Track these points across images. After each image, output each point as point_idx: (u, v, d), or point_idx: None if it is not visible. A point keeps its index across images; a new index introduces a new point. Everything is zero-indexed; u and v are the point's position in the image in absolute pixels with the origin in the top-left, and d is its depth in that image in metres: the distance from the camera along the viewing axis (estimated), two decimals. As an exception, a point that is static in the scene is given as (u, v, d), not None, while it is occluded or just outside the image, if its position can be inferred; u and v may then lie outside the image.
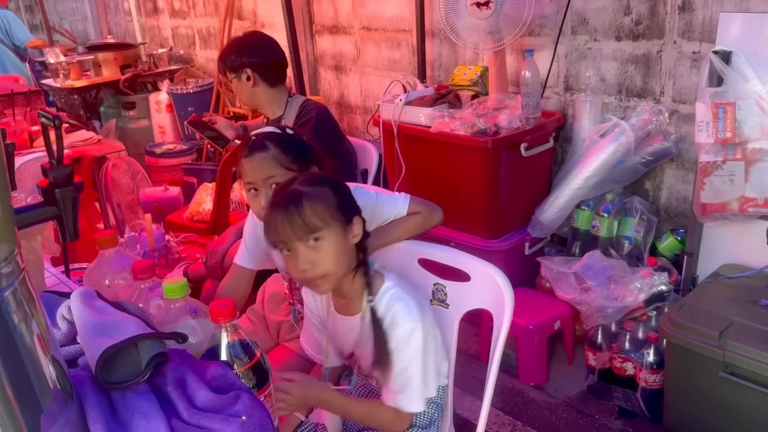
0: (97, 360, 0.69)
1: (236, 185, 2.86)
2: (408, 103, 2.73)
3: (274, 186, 1.50)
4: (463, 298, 1.43)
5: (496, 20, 2.54)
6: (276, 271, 1.80)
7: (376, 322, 1.24)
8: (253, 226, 1.75)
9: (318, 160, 1.61)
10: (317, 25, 3.91)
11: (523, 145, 2.49)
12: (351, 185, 1.63)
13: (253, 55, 2.19)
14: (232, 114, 4.36)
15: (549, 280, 2.41)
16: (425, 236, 1.63)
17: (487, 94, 2.83)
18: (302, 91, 3.73)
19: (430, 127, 2.58)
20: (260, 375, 0.84)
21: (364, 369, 1.35)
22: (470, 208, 2.60)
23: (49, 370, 0.63)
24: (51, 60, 4.72)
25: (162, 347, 0.73)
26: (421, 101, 2.72)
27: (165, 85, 4.74)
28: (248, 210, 1.77)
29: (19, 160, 2.43)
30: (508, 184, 2.56)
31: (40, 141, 2.99)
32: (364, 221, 1.28)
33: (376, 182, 2.34)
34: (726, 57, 2.09)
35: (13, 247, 0.58)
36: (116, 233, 1.10)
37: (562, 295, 2.31)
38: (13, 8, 7.20)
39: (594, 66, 2.60)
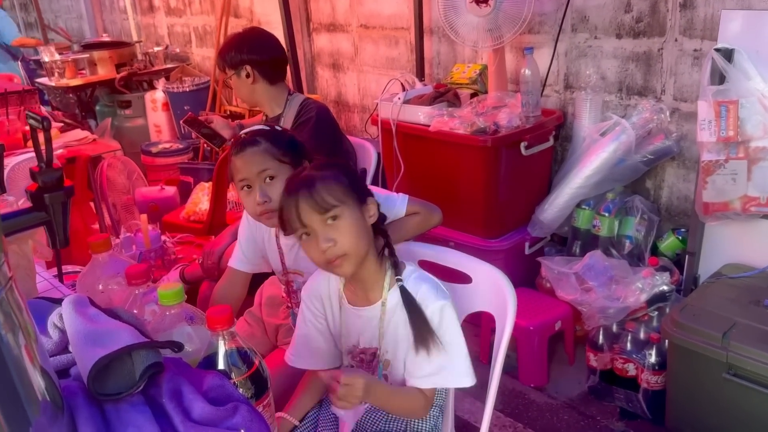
0: (90, 371, 0.66)
1: (233, 185, 2.83)
2: (407, 101, 2.70)
3: (268, 180, 1.49)
4: (464, 301, 1.41)
5: (495, 18, 2.51)
6: (273, 273, 1.77)
7: (409, 300, 1.22)
8: (248, 227, 1.72)
9: (309, 156, 1.59)
10: (314, 23, 3.88)
11: (522, 144, 2.47)
12: None
13: (253, 51, 2.15)
14: (228, 113, 4.33)
15: (550, 281, 2.39)
16: (425, 237, 1.61)
17: (486, 92, 2.81)
18: (299, 90, 3.71)
19: (428, 126, 2.55)
20: (259, 384, 0.82)
21: (387, 360, 1.31)
22: (470, 207, 2.57)
23: (38, 382, 0.61)
24: (45, 58, 4.68)
25: (157, 357, 0.71)
26: (420, 100, 2.69)
27: (161, 83, 4.71)
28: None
29: (12, 161, 2.40)
30: (508, 184, 2.54)
31: (35, 140, 2.95)
32: (378, 204, 1.28)
33: (374, 182, 2.32)
34: (728, 54, 2.07)
35: (-1, 255, 0.56)
36: (110, 237, 1.07)
37: (563, 296, 2.29)
38: (7, 6, 7.15)
39: (594, 64, 2.58)
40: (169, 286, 0.89)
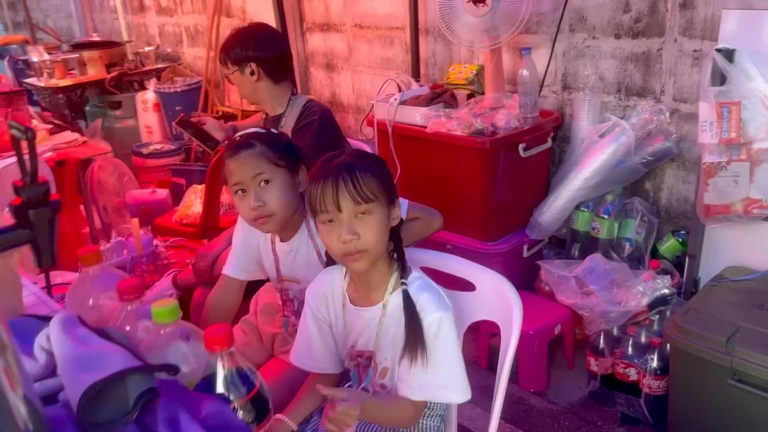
0: (80, 399, 0.62)
1: (226, 187, 2.78)
2: (403, 102, 2.66)
3: (263, 184, 1.45)
4: (467, 309, 1.38)
5: (492, 17, 2.47)
6: (268, 280, 1.73)
7: (410, 305, 1.19)
8: (242, 232, 1.68)
9: (307, 160, 1.54)
10: (308, 23, 3.83)
11: (521, 146, 2.44)
12: None
13: (260, 48, 2.09)
14: (221, 113, 4.28)
15: (549, 284, 2.35)
16: (424, 241, 1.57)
17: (483, 93, 2.77)
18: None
19: (425, 127, 2.51)
20: (260, 407, 0.78)
21: (386, 368, 1.28)
22: (467, 209, 2.53)
23: (20, 411, 0.56)
24: (34, 58, 4.61)
25: (152, 382, 0.66)
26: (416, 101, 2.65)
27: (152, 83, 4.65)
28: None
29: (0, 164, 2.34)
30: (506, 185, 2.50)
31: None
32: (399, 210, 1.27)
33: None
34: (729, 55, 2.04)
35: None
36: (100, 250, 1.02)
37: (564, 300, 2.26)
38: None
39: (593, 64, 2.55)
40: (164, 304, 0.84)
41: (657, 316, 2.16)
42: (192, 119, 2.43)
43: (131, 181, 3.17)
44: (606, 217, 2.43)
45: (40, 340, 0.74)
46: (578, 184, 2.45)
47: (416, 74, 3.16)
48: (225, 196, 2.84)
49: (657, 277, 2.18)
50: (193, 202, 2.87)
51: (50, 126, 3.34)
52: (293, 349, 1.40)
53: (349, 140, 2.31)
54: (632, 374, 2.14)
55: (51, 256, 0.68)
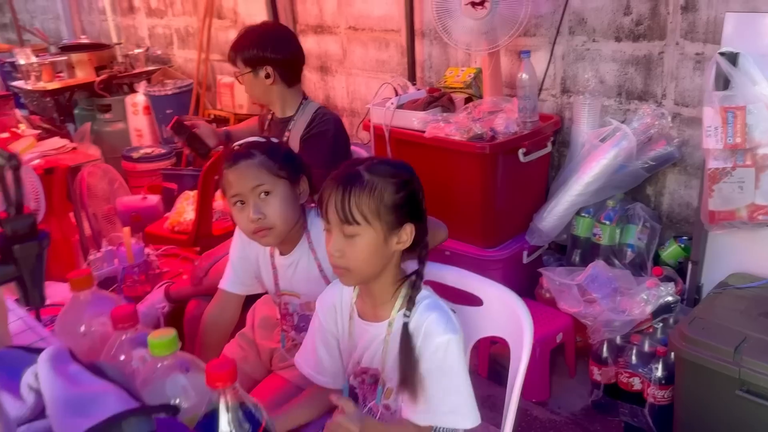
0: (72, 446, 0.56)
1: (219, 193, 2.71)
2: (400, 106, 2.61)
3: (263, 195, 1.39)
4: (475, 325, 1.33)
5: (491, 20, 2.43)
6: (266, 293, 1.67)
7: (406, 336, 1.15)
8: (240, 245, 1.62)
9: (307, 169, 1.50)
10: (301, 25, 3.77)
11: (521, 151, 2.39)
12: None
13: (277, 51, 2.02)
14: (212, 116, 4.21)
15: (551, 292, 2.31)
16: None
17: (480, 96, 2.73)
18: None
19: (423, 132, 2.47)
20: (265, 445, 0.72)
21: (390, 388, 1.24)
22: (467, 216, 2.49)
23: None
24: (21, 61, 4.52)
25: (150, 425, 0.61)
26: (414, 105, 2.61)
27: (142, 86, 4.57)
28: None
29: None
30: (506, 191, 2.46)
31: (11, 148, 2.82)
32: (424, 230, 1.20)
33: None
34: (733, 58, 2.00)
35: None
36: (92, 272, 0.97)
37: (566, 308, 2.22)
38: (-19, 6, 6.95)
39: (592, 67, 2.51)
40: (162, 334, 0.79)
41: (660, 324, 2.12)
42: (185, 122, 2.34)
43: (122, 187, 3.10)
44: (607, 222, 2.39)
45: (27, 378, 0.69)
46: (579, 189, 2.41)
47: (412, 77, 3.11)
48: (218, 203, 2.78)
49: (660, 285, 2.14)
50: (186, 208, 2.80)
51: (38, 131, 3.26)
52: (298, 354, 1.38)
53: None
54: (636, 384, 2.10)
55: (39, 294, 0.63)
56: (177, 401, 0.77)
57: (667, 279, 2.22)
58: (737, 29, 2.03)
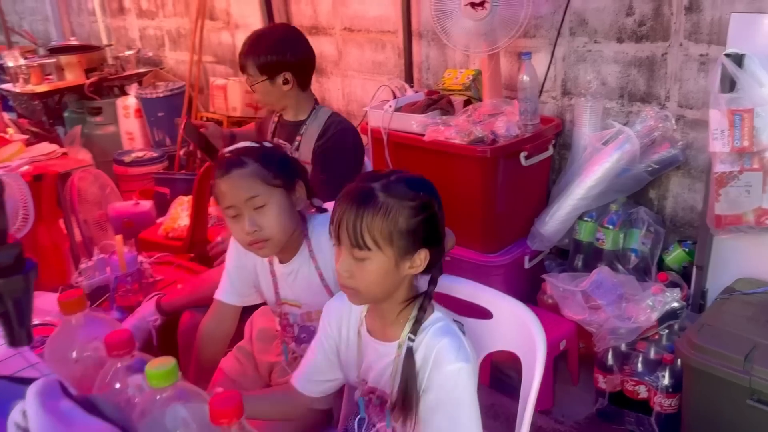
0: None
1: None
2: (398, 109, 2.56)
3: (258, 207, 1.32)
4: (484, 339, 1.28)
5: (490, 21, 2.38)
6: (264, 304, 1.62)
7: (409, 363, 1.09)
8: (236, 254, 1.56)
9: (304, 175, 1.44)
10: (295, 26, 3.71)
11: (522, 154, 2.35)
12: None
13: (296, 55, 1.96)
14: (205, 119, 4.14)
15: (555, 299, 2.27)
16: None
17: (480, 99, 2.68)
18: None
19: (422, 135, 2.41)
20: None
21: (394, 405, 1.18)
22: (467, 220, 2.44)
23: None
24: (9, 63, 4.43)
25: (150, 468, 0.56)
26: (412, 107, 2.55)
27: (133, 89, 4.50)
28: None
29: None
30: (507, 195, 2.41)
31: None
32: (440, 254, 1.14)
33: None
34: (738, 60, 1.96)
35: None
36: (84, 296, 0.91)
37: (571, 316, 2.17)
38: (-32, 8, 6.84)
39: (594, 69, 2.47)
40: (161, 364, 0.73)
41: (666, 331, 2.08)
42: (194, 123, 2.25)
43: (113, 193, 3.03)
44: (611, 227, 2.35)
45: (15, 416, 0.63)
46: (581, 193, 2.37)
47: (409, 79, 3.06)
48: (213, 208, 2.72)
49: (666, 290, 2.10)
50: (180, 214, 2.74)
51: (27, 136, 3.19)
52: (301, 368, 1.32)
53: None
54: (642, 392, 2.06)
55: (27, 332, 0.57)
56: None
57: (672, 284, 2.18)
58: (743, 30, 2.00)
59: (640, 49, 2.33)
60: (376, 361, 1.18)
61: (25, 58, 4.54)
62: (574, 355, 2.34)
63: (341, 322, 1.23)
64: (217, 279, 1.61)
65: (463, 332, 1.24)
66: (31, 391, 0.62)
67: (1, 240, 0.55)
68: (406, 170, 1.16)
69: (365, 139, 2.68)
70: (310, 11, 3.58)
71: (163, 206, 3.16)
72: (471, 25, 2.42)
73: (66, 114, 4.69)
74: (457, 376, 1.07)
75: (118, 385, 0.79)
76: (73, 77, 4.55)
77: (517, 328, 1.22)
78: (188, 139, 2.14)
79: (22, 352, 0.91)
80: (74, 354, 0.87)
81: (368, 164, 2.20)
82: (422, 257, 1.10)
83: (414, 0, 2.97)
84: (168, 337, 1.94)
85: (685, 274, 2.30)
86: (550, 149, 2.51)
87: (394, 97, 2.68)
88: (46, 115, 4.54)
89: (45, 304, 1.66)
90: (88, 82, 4.46)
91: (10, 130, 3.10)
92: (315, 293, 1.46)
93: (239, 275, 1.56)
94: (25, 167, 2.51)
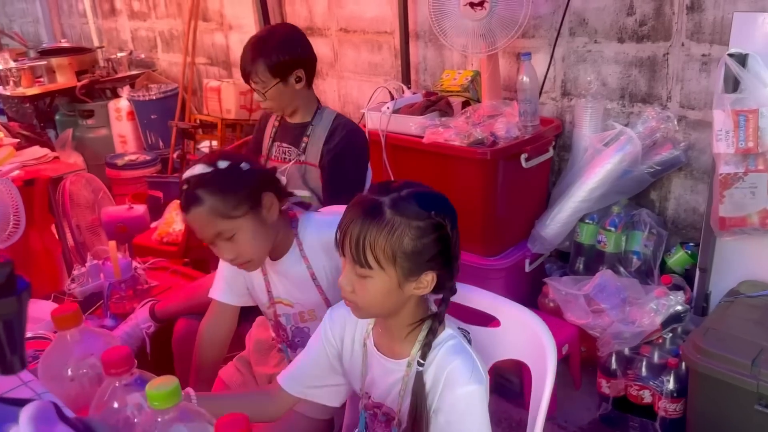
0: None
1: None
2: (396, 111, 2.52)
3: (227, 239, 1.28)
4: (491, 347, 1.24)
5: (489, 21, 2.35)
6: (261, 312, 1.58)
7: (419, 386, 1.05)
8: None
9: (271, 182, 1.36)
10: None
11: (523, 156, 2.31)
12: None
13: (305, 50, 1.90)
14: (198, 121, 4.09)
15: (557, 303, 2.23)
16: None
17: (478, 100, 2.65)
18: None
19: (421, 137, 2.38)
20: None
21: (402, 423, 1.14)
22: (467, 223, 2.37)
23: None
24: (-1, 66, 4.38)
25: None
26: (410, 109, 2.52)
27: (125, 91, 4.45)
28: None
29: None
30: (507, 198, 2.38)
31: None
32: (450, 275, 1.08)
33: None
34: (742, 60, 1.94)
35: None
36: (79, 310, 0.87)
37: (574, 320, 2.14)
38: (-43, 10, 6.77)
39: (594, 69, 2.44)
40: (162, 384, 0.69)
41: (670, 334, 2.06)
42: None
43: (106, 197, 2.98)
44: (612, 229, 2.32)
45: (7, 443, 0.59)
46: (582, 195, 2.34)
47: (406, 80, 3.03)
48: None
49: (670, 294, 2.07)
50: (174, 219, 2.70)
51: (17, 140, 3.14)
52: (293, 366, 1.26)
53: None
54: (646, 396, 2.03)
55: (20, 358, 0.53)
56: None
57: (676, 287, 2.15)
58: (745, 29, 1.97)
59: (641, 49, 2.30)
60: (382, 377, 1.14)
61: (16, 61, 4.49)
62: (576, 360, 2.31)
63: (345, 330, 1.19)
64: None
65: (469, 341, 1.20)
66: (25, 415, 0.58)
67: (-10, 260, 0.51)
68: (420, 183, 1.09)
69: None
70: (305, 12, 3.54)
71: (156, 210, 3.12)
72: (470, 25, 2.39)
73: (57, 117, 4.63)
74: (469, 399, 1.03)
75: (116, 405, 0.75)
76: (64, 80, 4.50)
77: (525, 337, 1.18)
78: None
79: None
80: (69, 371, 0.83)
81: (369, 172, 2.15)
82: (429, 279, 1.05)
83: (411, 0, 2.93)
84: (162, 345, 1.89)
85: (687, 276, 2.27)
86: (550, 151, 2.48)
87: (392, 98, 2.65)
88: (37, 119, 4.49)
89: (37, 312, 1.61)
90: (79, 84, 4.40)
91: (0, 134, 3.04)
92: (307, 292, 1.43)
93: (234, 276, 1.52)
94: (16, 172, 2.46)
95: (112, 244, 2.11)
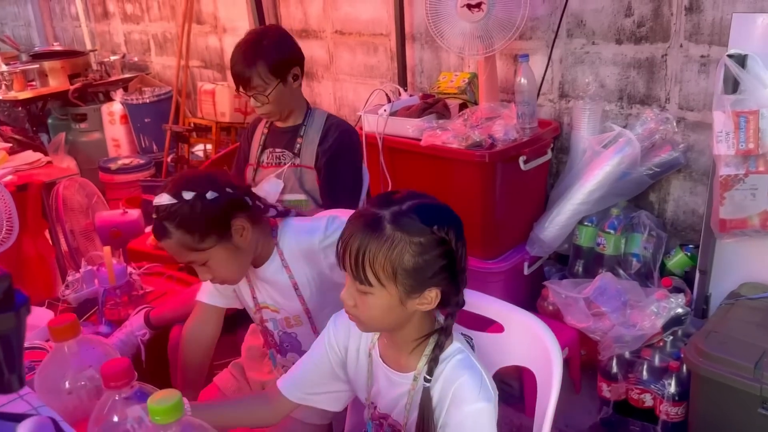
0: None
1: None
2: (393, 113, 2.51)
3: (202, 264, 1.29)
4: (495, 353, 1.23)
5: (486, 23, 2.34)
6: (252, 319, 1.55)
7: (427, 400, 1.02)
8: None
9: (244, 207, 1.33)
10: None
11: (521, 158, 2.30)
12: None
13: (297, 49, 1.89)
14: (192, 125, 4.07)
15: (557, 306, 2.22)
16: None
17: (475, 102, 2.64)
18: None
19: (418, 140, 2.37)
20: None
21: None
22: (465, 226, 2.34)
23: None
24: (-9, 70, 4.34)
25: None
26: (408, 112, 2.50)
27: (118, 94, 4.41)
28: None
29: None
30: (506, 200, 2.37)
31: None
32: (456, 290, 1.05)
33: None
34: (741, 61, 1.93)
35: None
36: (77, 321, 0.84)
37: (574, 323, 2.13)
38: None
39: (592, 71, 2.43)
40: (164, 398, 0.66)
41: (670, 338, 2.04)
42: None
43: (100, 202, 2.94)
44: (612, 231, 2.30)
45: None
46: (581, 197, 2.32)
47: (403, 82, 3.01)
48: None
49: (670, 296, 2.06)
50: (169, 223, 2.66)
51: (10, 144, 3.10)
52: (292, 371, 1.24)
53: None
54: (648, 400, 2.02)
55: (18, 377, 0.50)
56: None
57: (676, 290, 2.14)
58: (744, 30, 1.96)
59: (640, 50, 2.29)
60: (388, 389, 1.12)
61: (7, 65, 4.45)
62: (576, 363, 2.30)
63: (349, 339, 1.17)
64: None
65: (472, 347, 1.18)
66: (22, 429, 0.56)
67: (-15, 273, 0.48)
68: (424, 194, 1.05)
69: (360, 145, 2.63)
70: (300, 14, 3.52)
71: (150, 215, 3.07)
72: (467, 27, 2.37)
73: (50, 121, 4.59)
74: (478, 417, 1.00)
75: (116, 418, 0.72)
76: (56, 83, 4.46)
77: (530, 343, 1.16)
78: None
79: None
80: (67, 384, 0.81)
81: (365, 171, 2.13)
82: (433, 296, 1.01)
83: (407, 2, 2.92)
84: (157, 352, 1.86)
85: (687, 278, 2.26)
86: (548, 153, 2.47)
87: (389, 101, 2.63)
88: (30, 123, 4.45)
89: (31, 319, 1.58)
90: (72, 88, 4.37)
91: (-8, 138, 3.01)
92: (290, 300, 1.42)
93: None
94: (9, 177, 2.43)
95: (107, 249, 2.08)
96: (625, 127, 2.32)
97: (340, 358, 1.18)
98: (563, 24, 2.44)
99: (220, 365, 1.62)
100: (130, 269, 2.25)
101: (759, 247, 2.04)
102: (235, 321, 1.71)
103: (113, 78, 4.62)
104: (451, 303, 1.05)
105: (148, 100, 4.32)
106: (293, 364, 1.47)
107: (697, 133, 2.23)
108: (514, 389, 2.28)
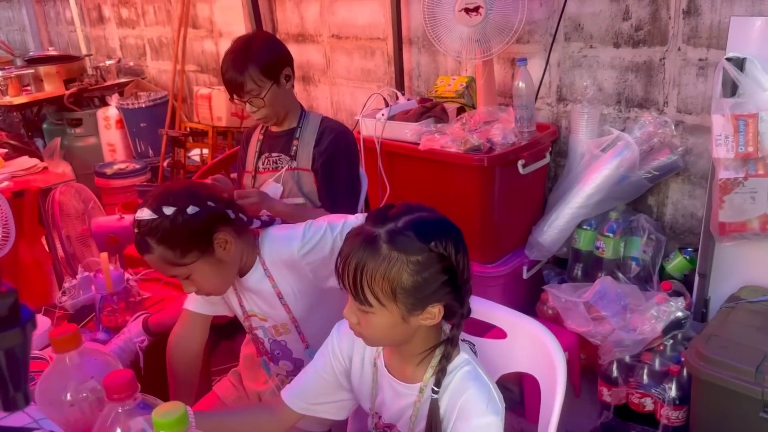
0: None
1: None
2: (391, 117, 2.50)
3: (185, 278, 1.29)
4: (497, 360, 1.22)
5: (484, 27, 2.34)
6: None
7: (434, 413, 1.01)
8: None
9: (226, 220, 1.32)
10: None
11: (520, 162, 2.30)
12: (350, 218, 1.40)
13: (285, 49, 1.88)
14: (188, 129, 4.05)
15: (557, 310, 2.21)
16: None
17: (473, 106, 2.63)
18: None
19: (417, 144, 2.36)
20: None
21: None
22: (464, 231, 2.35)
23: None
24: (-15, 75, 4.32)
25: None
26: (406, 116, 2.50)
27: (114, 99, 4.40)
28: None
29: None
30: (504, 204, 2.36)
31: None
32: (461, 302, 1.03)
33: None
34: (740, 64, 1.93)
35: None
36: (79, 331, 0.83)
37: (574, 328, 2.12)
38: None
39: (590, 75, 2.43)
40: (169, 410, 0.65)
41: (671, 341, 2.04)
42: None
43: (97, 208, 2.92)
44: (611, 235, 2.30)
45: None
46: (580, 201, 2.32)
47: (400, 86, 3.01)
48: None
49: (670, 300, 2.06)
50: (166, 229, 2.64)
51: (5, 150, 3.08)
52: (295, 383, 1.22)
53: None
54: (648, 404, 2.01)
55: (24, 395, 0.49)
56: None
57: (675, 293, 2.14)
58: (743, 33, 1.96)
59: (638, 53, 2.29)
60: (393, 400, 1.10)
61: (2, 69, 4.44)
62: (576, 367, 2.29)
63: (353, 349, 1.15)
64: None
65: (475, 352, 1.17)
66: (22, 447, 0.54)
67: (-9, 288, 0.47)
68: (421, 207, 1.03)
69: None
70: (296, 18, 3.51)
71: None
72: (465, 31, 2.37)
73: (45, 126, 4.58)
74: (486, 431, 0.99)
75: (119, 431, 0.71)
76: (51, 88, 4.44)
77: (531, 349, 1.16)
78: None
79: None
80: (69, 396, 0.79)
81: (363, 174, 2.12)
82: (435, 311, 0.99)
83: (404, 6, 2.91)
84: (156, 359, 1.85)
85: (686, 281, 2.26)
86: (547, 157, 2.46)
87: (386, 105, 2.62)
88: (25, 128, 4.44)
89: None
90: (67, 92, 4.36)
91: (-13, 144, 2.99)
92: (276, 308, 1.42)
93: None
94: (5, 183, 2.41)
95: (104, 255, 2.06)
96: (623, 130, 2.32)
97: (344, 368, 1.17)
98: (561, 28, 2.44)
99: (219, 371, 1.61)
100: (127, 275, 2.23)
101: (758, 251, 2.04)
102: (234, 327, 1.70)
103: (109, 83, 4.61)
104: (456, 314, 1.03)
105: (143, 105, 4.31)
106: (286, 372, 1.47)
107: (696, 137, 2.23)
108: (514, 394, 2.27)
